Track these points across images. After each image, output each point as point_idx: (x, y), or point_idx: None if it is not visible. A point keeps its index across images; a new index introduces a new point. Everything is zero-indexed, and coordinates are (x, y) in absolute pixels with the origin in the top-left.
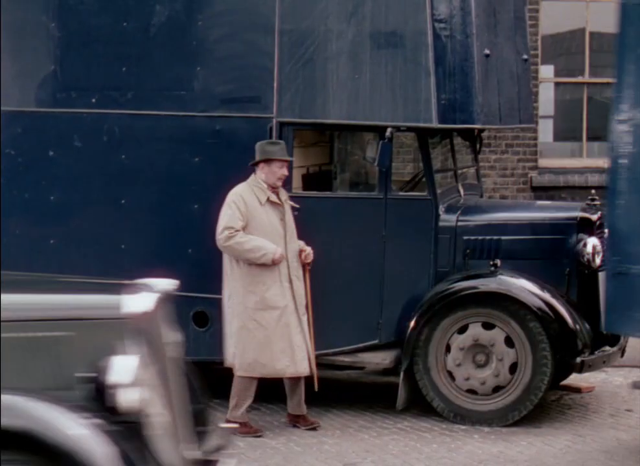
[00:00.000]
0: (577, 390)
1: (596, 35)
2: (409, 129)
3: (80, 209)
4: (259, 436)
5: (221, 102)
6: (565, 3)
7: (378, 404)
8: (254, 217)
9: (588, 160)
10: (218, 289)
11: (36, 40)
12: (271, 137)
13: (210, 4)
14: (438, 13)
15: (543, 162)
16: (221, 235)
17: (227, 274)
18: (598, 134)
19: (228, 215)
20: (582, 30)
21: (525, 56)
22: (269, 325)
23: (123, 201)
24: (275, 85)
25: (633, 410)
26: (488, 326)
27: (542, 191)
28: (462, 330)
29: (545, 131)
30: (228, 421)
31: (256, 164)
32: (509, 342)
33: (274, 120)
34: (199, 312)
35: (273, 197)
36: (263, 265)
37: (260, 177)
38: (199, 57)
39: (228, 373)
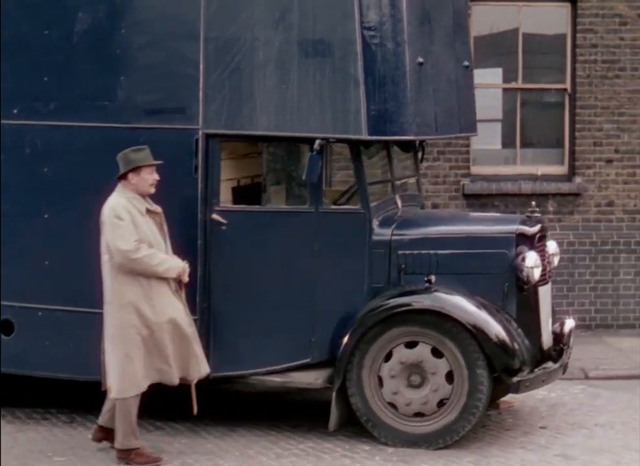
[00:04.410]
0: (495, 406)
1: (529, 40)
2: (340, 140)
3: (1, 222)
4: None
5: (145, 113)
6: (497, 7)
7: (286, 423)
8: (138, 227)
9: (521, 168)
10: None
11: None
12: (197, 150)
13: (134, 11)
14: (367, 20)
15: (475, 170)
16: (129, 248)
17: (110, 288)
18: (532, 141)
19: (124, 228)
20: (515, 34)
21: (466, 63)
22: (148, 339)
23: (46, 215)
24: (201, 95)
25: (547, 427)
26: (411, 345)
27: (474, 199)
28: (388, 357)
29: (477, 137)
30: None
31: (125, 175)
32: (437, 353)
33: (200, 132)
34: None
35: (153, 206)
36: (150, 278)
37: (131, 187)
38: (122, 66)
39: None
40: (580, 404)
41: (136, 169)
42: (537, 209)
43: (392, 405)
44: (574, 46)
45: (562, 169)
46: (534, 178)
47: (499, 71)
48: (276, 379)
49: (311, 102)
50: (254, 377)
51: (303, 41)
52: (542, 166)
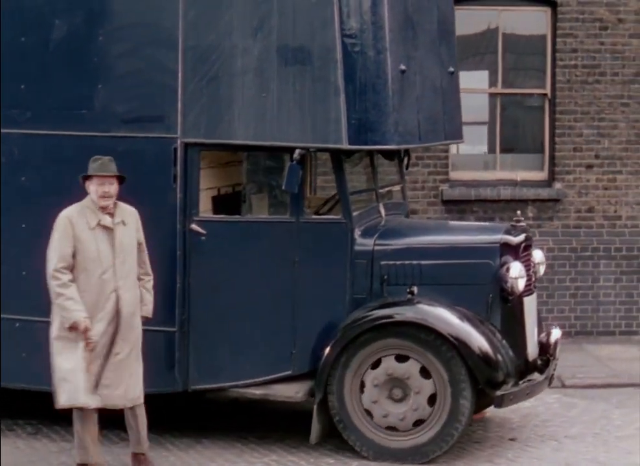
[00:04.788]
0: None
1: (509, 44)
2: (321, 149)
3: None
4: None
5: (123, 122)
6: (476, 11)
7: (254, 434)
8: (82, 243)
9: (501, 173)
10: None
11: None
12: (176, 159)
13: (111, 19)
14: (348, 28)
15: (454, 175)
16: (50, 268)
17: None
18: (512, 146)
19: (55, 243)
20: (495, 38)
21: (451, 69)
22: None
23: (23, 225)
24: (179, 103)
25: (517, 438)
26: (402, 358)
27: (453, 205)
28: (376, 365)
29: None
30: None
31: (82, 182)
32: (425, 372)
33: (178, 141)
34: None
35: (105, 221)
36: (91, 295)
37: (91, 196)
38: (99, 74)
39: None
40: (554, 414)
41: (90, 178)
42: (522, 218)
43: (369, 413)
44: (554, 50)
45: (542, 175)
46: (513, 183)
47: (483, 74)
48: (257, 392)
49: (290, 111)
50: (234, 390)
51: (282, 48)
52: (522, 172)
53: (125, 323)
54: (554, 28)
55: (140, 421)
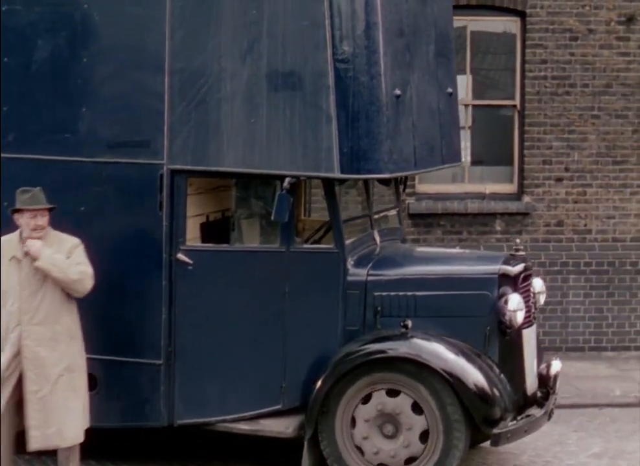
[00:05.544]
0: None
1: (478, 55)
2: (312, 178)
3: None
4: None
5: (108, 147)
6: None
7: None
8: (3, 272)
9: (469, 186)
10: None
11: None
12: (162, 186)
13: (96, 40)
14: (340, 52)
15: (421, 188)
16: None
17: None
18: (481, 158)
19: None
20: (464, 49)
21: (450, 89)
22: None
23: None
24: (165, 128)
25: None
26: (393, 393)
27: (420, 219)
28: (366, 400)
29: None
30: None
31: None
32: (417, 408)
33: (164, 167)
34: None
35: (18, 253)
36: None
37: (22, 229)
38: (83, 97)
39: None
40: None
41: (20, 211)
42: (522, 247)
43: (360, 449)
44: (523, 61)
45: (511, 188)
46: (481, 196)
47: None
48: (245, 427)
49: (281, 138)
50: (222, 424)
51: (272, 73)
52: (490, 184)
53: (33, 359)
54: (524, 39)
55: (73, 463)
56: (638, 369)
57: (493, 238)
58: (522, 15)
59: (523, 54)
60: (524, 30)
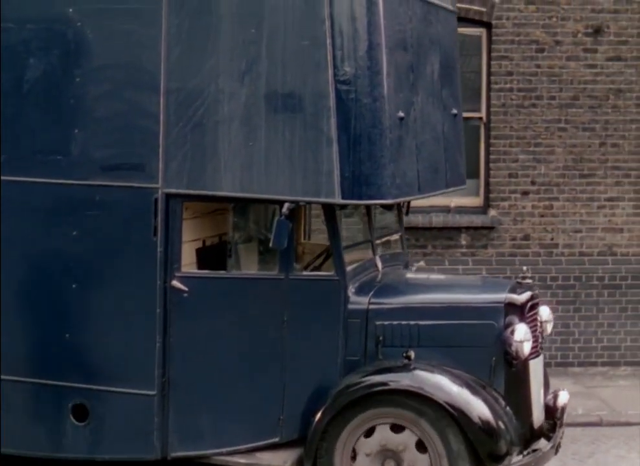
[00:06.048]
0: None
1: None
2: (312, 203)
3: None
4: None
5: (102, 169)
6: None
7: None
8: None
9: (434, 199)
10: (100, 379)
11: None
12: (157, 210)
13: (89, 59)
14: (342, 73)
15: None
16: None
17: None
18: None
19: None
20: None
21: (454, 111)
22: None
23: None
24: (161, 151)
25: None
26: (397, 428)
27: None
28: (369, 433)
29: None
30: None
31: None
32: (421, 446)
33: (159, 191)
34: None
35: None
36: None
37: None
38: (76, 117)
39: None
40: None
41: None
42: (529, 275)
43: None
44: (489, 73)
45: (477, 201)
46: (447, 210)
47: None
48: (241, 461)
49: (279, 161)
50: (217, 458)
51: (271, 94)
52: (456, 198)
53: None
54: (489, 50)
55: None
56: (603, 386)
57: (458, 252)
58: (488, 26)
59: (489, 66)
60: (489, 41)
